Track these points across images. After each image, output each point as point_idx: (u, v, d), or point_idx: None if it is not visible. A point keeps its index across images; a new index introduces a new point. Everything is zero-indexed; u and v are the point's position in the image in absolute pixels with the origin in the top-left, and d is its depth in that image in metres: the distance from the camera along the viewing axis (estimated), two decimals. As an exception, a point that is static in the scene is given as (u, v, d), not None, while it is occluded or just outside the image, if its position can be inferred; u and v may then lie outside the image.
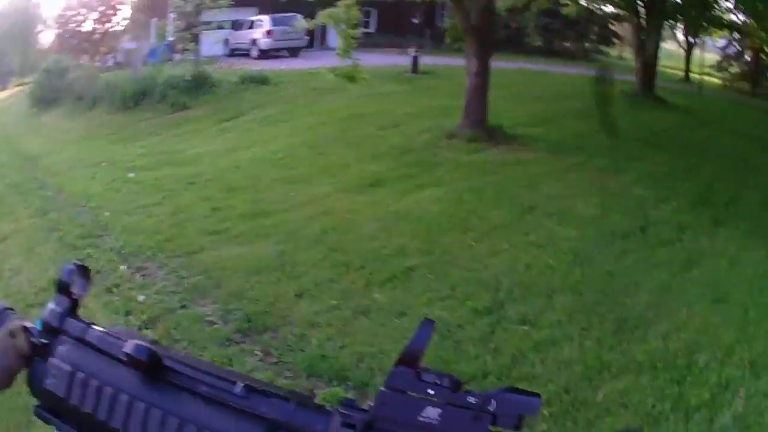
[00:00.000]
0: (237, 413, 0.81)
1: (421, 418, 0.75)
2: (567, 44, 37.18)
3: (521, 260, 8.41)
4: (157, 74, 22.69)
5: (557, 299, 7.25)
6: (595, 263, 8.40)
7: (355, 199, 11.04)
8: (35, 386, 0.93)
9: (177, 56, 26.03)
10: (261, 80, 22.92)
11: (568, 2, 29.30)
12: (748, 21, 26.67)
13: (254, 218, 9.97)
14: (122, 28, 32.99)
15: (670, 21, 27.54)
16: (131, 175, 12.94)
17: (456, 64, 18.86)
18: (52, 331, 0.94)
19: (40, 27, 35.20)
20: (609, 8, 30.06)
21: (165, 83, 21.94)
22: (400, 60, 25.65)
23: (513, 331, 6.54)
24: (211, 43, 27.43)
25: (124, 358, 0.85)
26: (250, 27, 29.89)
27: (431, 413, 0.75)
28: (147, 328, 6.43)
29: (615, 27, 36.38)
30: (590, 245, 9.06)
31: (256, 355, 6.02)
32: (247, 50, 29.66)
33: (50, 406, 0.91)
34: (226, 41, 30.35)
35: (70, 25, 32.74)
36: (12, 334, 0.95)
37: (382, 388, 0.77)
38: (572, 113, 18.30)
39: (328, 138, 15.71)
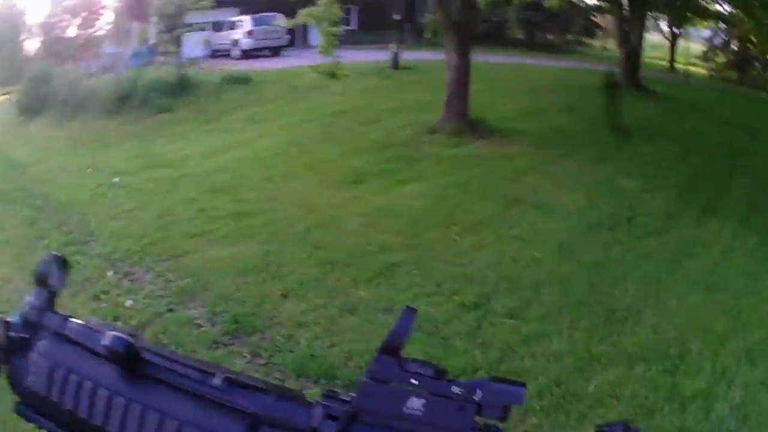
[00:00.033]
0: (217, 407, 0.79)
1: (405, 409, 0.73)
2: (550, 37, 37.24)
3: (507, 254, 8.42)
4: (140, 78, 22.62)
5: (544, 292, 7.25)
6: (582, 255, 8.42)
7: (338, 196, 11.03)
8: (16, 383, 0.90)
9: (159, 59, 25.97)
10: (243, 80, 22.88)
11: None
12: (734, 11, 26.73)
13: (239, 218, 9.94)
14: (105, 33, 32.92)
15: (654, 12, 27.60)
16: (116, 180, 12.85)
17: (437, 58, 18.87)
18: (31, 325, 0.91)
19: (25, 35, 35.09)
20: (591, 0, 30.17)
21: (147, 86, 21.87)
22: (382, 56, 25.68)
23: (501, 325, 6.54)
24: (193, 44, 27.38)
25: (103, 351, 0.82)
26: (231, 28, 29.89)
27: (415, 404, 0.73)
28: (136, 334, 6.39)
29: (598, 19, 36.48)
30: (576, 237, 9.08)
31: (245, 357, 5.99)
32: (229, 51, 29.64)
33: (32, 404, 0.88)
34: (208, 42, 30.30)
35: (55, 31, 32.67)
36: None
37: (365, 378, 0.76)
38: (555, 106, 18.37)
39: (311, 135, 15.69)
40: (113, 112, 21.13)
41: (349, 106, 18.50)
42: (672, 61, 33.18)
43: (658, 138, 15.47)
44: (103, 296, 7.39)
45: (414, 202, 10.50)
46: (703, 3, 27.09)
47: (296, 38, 30.00)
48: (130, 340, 0.82)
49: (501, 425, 0.73)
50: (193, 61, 25.60)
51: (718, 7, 27.45)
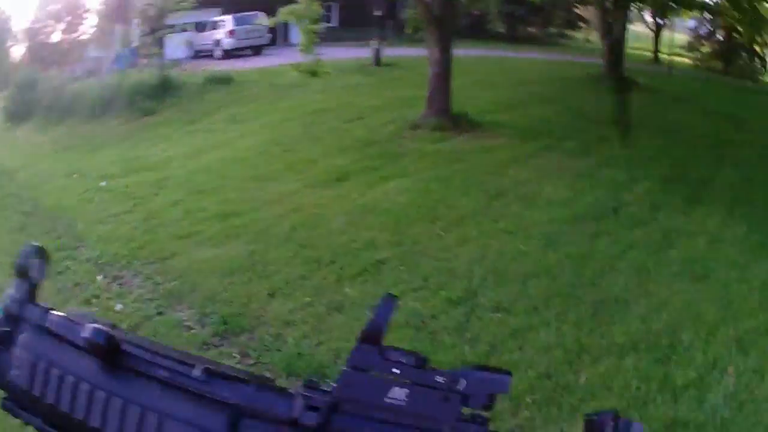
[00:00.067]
0: (197, 398, 0.78)
1: (388, 400, 0.73)
2: (532, 30, 37.22)
3: (492, 247, 8.41)
4: (123, 81, 22.65)
5: (531, 284, 7.25)
6: (569, 246, 8.41)
7: (322, 194, 11.01)
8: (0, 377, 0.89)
9: (142, 61, 25.90)
10: (225, 80, 22.89)
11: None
12: (719, 1, 26.74)
13: (225, 219, 9.92)
14: (89, 36, 32.82)
15: (638, 3, 27.59)
16: (103, 183, 12.83)
17: (418, 54, 18.84)
18: (12, 318, 0.90)
19: (10, 42, 34.96)
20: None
21: (131, 89, 21.92)
22: (363, 53, 25.67)
23: (488, 319, 6.54)
24: (176, 45, 27.27)
25: (83, 344, 0.81)
26: (213, 28, 29.78)
27: (398, 394, 0.73)
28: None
29: (580, 11, 36.46)
30: (562, 228, 9.08)
31: (234, 357, 5.99)
32: (212, 51, 29.55)
33: (17, 399, 0.87)
34: (191, 43, 30.21)
35: (39, 37, 32.57)
36: None
37: (345, 368, 0.75)
38: (537, 98, 18.39)
39: (294, 134, 15.67)
40: (98, 116, 21.18)
41: (331, 104, 18.46)
42: (656, 52, 33.13)
43: (640, 129, 15.44)
44: (93, 300, 7.41)
45: (398, 199, 10.49)
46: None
47: (277, 37, 29.91)
48: (111, 332, 0.81)
49: (486, 415, 0.72)
50: (176, 62, 25.56)
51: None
